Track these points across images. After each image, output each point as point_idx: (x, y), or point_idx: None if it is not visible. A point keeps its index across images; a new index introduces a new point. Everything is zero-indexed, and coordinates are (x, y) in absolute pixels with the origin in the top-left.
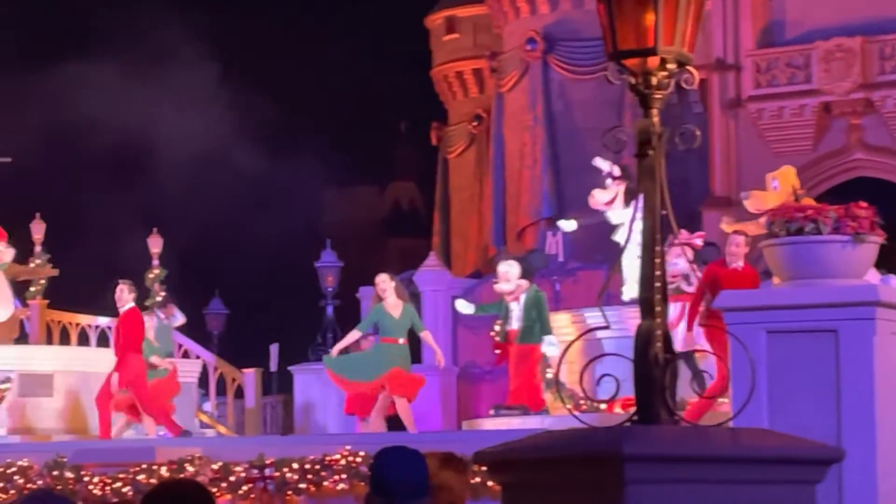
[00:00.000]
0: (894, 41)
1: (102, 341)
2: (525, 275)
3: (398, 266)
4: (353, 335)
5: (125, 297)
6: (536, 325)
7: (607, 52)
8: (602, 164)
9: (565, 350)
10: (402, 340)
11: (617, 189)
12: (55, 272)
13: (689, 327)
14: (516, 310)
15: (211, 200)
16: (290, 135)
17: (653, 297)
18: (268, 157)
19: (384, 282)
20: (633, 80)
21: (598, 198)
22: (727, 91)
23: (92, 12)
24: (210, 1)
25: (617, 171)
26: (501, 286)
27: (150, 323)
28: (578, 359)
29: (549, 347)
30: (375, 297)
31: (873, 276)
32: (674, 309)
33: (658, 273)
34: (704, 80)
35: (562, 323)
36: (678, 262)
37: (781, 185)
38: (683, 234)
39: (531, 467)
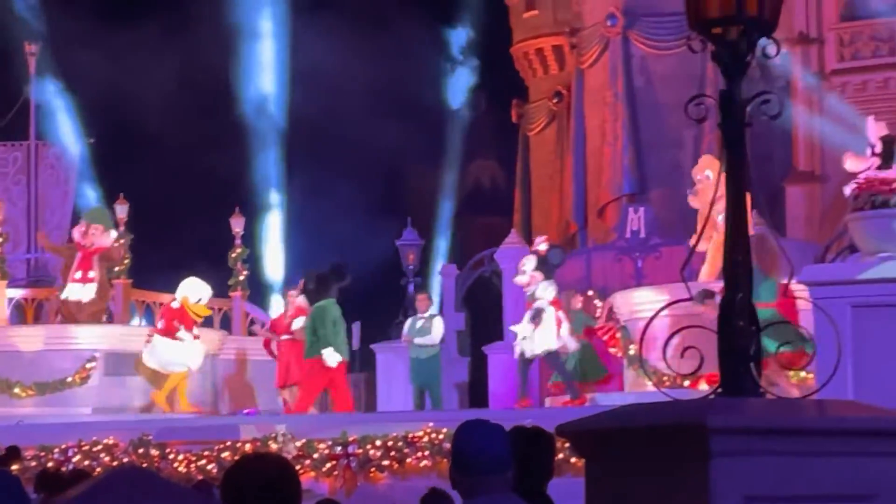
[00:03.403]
0: None
1: None
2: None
3: (480, 244)
4: None
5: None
6: None
7: (690, 21)
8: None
9: (647, 325)
10: None
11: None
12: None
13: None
14: None
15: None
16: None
17: (737, 269)
18: (358, 128)
19: None
20: (715, 50)
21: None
22: (810, 65)
23: None
24: None
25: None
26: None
27: None
28: (662, 335)
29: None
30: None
31: None
32: None
33: (742, 245)
34: (787, 54)
35: (645, 298)
36: None
37: None
38: None
39: (614, 439)
